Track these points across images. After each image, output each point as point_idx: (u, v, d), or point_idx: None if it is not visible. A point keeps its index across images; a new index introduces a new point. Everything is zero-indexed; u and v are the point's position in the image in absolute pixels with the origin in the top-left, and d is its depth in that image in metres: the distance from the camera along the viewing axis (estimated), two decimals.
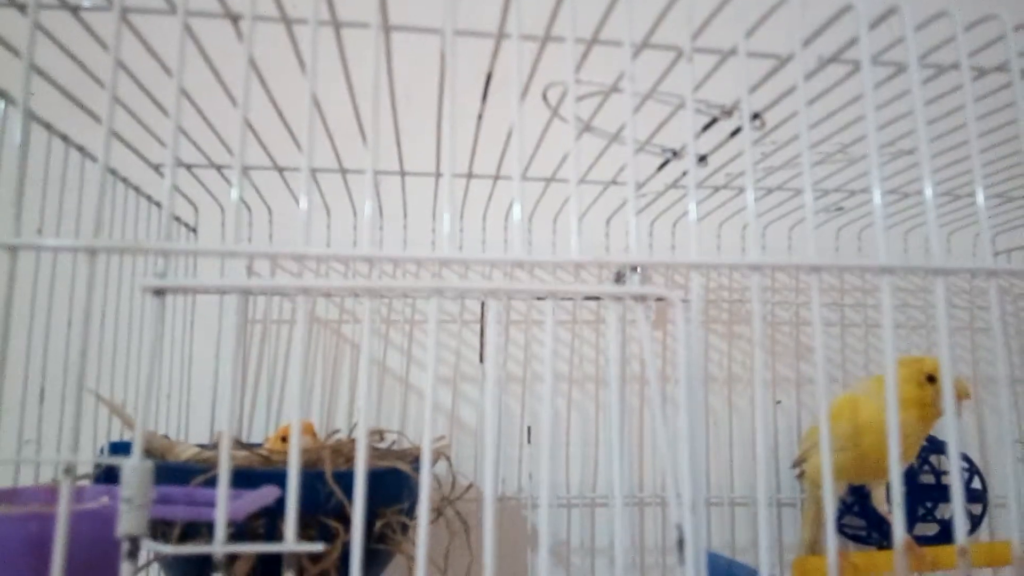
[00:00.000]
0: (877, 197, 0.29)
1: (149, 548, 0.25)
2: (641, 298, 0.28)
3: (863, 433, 0.59)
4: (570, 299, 0.79)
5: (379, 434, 0.59)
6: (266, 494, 0.35)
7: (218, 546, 0.25)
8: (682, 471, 0.27)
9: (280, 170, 0.62)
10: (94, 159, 0.54)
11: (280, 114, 0.49)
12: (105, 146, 0.28)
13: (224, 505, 0.26)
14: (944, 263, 0.30)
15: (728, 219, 0.74)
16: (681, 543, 0.27)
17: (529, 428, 0.76)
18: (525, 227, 0.72)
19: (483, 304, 0.78)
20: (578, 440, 0.77)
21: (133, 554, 0.25)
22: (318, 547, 0.26)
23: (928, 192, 0.29)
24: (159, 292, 0.27)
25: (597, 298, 0.79)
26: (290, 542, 0.26)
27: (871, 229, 0.76)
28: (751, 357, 0.79)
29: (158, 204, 0.65)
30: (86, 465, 0.53)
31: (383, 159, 0.64)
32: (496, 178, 0.65)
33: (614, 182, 0.65)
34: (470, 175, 0.64)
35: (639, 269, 0.61)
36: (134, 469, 0.25)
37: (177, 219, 0.70)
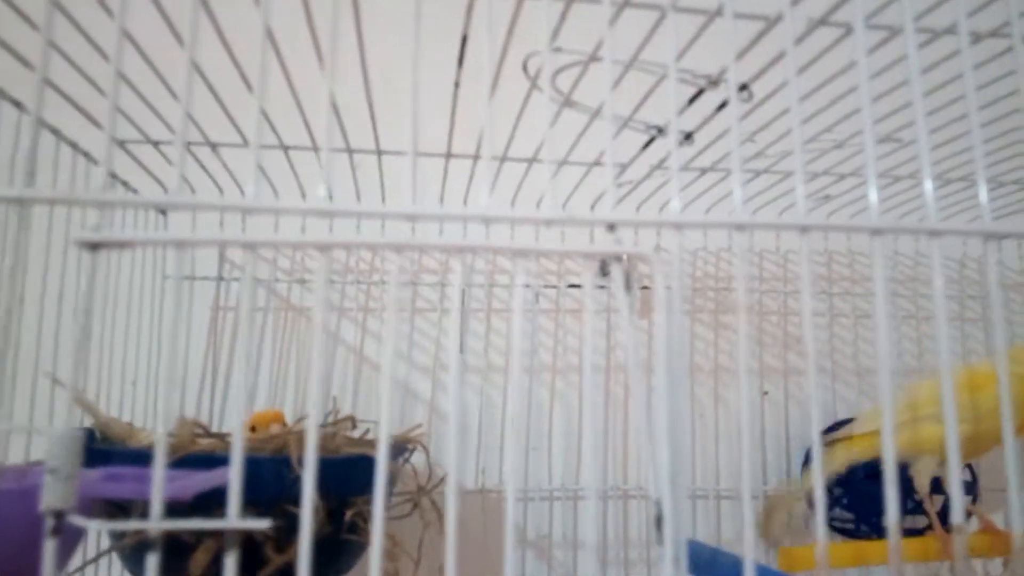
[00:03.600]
0: (870, 149, 0.27)
1: (77, 524, 0.23)
2: (616, 258, 0.26)
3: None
4: (554, 287, 0.77)
5: (351, 421, 0.57)
6: (217, 475, 0.32)
7: (154, 522, 0.23)
8: (660, 443, 0.25)
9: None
10: (61, 136, 0.52)
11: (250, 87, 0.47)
12: (37, 94, 0.26)
13: (161, 479, 0.24)
14: (939, 225, 0.28)
15: (716, 204, 0.72)
16: (659, 520, 0.25)
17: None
18: (494, 186, 0.70)
19: (463, 292, 0.76)
20: (561, 431, 0.75)
21: (58, 530, 0.23)
22: (264, 524, 0.24)
23: (922, 139, 0.28)
24: (94, 246, 0.25)
25: (578, 286, 0.78)
26: (232, 518, 0.24)
27: (861, 217, 0.75)
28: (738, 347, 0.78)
29: (124, 182, 0.62)
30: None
31: (359, 140, 0.62)
32: (475, 158, 0.63)
33: (598, 163, 0.63)
34: (448, 155, 0.61)
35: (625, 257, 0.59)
36: (59, 437, 0.23)
37: None
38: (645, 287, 0.78)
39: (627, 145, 0.58)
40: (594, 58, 0.45)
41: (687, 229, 0.27)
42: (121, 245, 0.25)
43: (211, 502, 0.34)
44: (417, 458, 0.65)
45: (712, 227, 0.27)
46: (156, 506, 0.23)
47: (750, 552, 0.26)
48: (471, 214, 0.25)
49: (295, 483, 0.46)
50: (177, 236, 0.24)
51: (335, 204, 0.24)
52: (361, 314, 0.75)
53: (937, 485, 0.67)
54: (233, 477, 0.24)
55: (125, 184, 0.62)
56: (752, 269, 0.81)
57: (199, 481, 0.30)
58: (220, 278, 0.73)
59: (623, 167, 0.64)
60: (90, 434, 0.52)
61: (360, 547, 0.53)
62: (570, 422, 0.75)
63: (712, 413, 0.77)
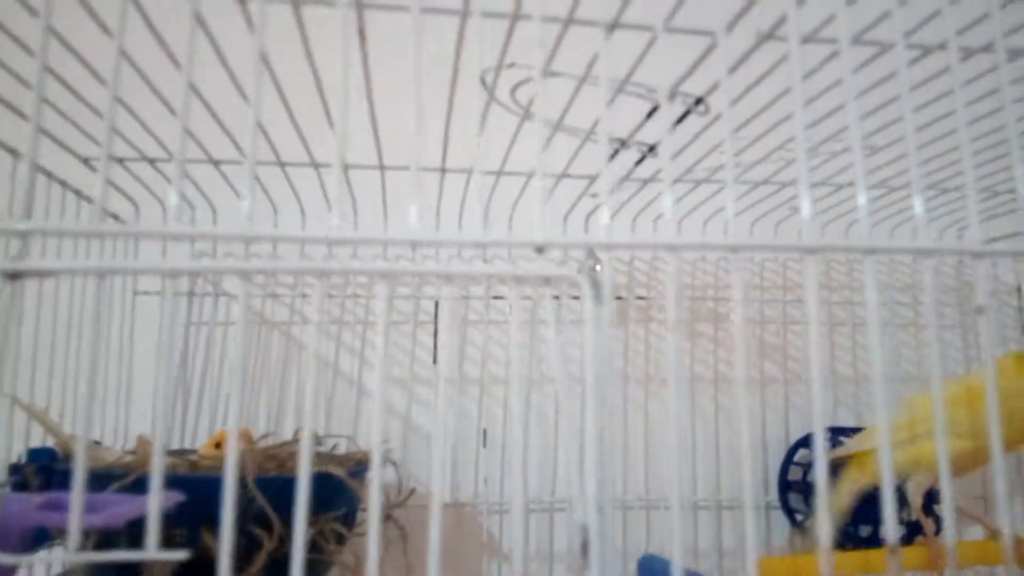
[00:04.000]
0: (803, 163, 0.27)
1: None
2: (546, 280, 0.26)
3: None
4: (528, 298, 0.77)
5: (315, 438, 0.56)
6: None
7: (70, 554, 0.23)
8: (587, 468, 0.25)
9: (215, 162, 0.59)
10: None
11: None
12: None
13: (79, 509, 0.23)
14: (872, 243, 0.28)
15: (687, 216, 0.72)
16: (586, 546, 0.25)
17: (485, 431, 0.74)
18: (428, 210, 0.70)
19: (436, 304, 0.75)
20: (537, 443, 0.75)
21: None
22: (180, 556, 0.23)
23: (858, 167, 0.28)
24: (14, 276, 0.25)
25: (556, 297, 0.77)
26: (151, 549, 0.23)
27: (834, 225, 0.75)
28: (712, 355, 0.77)
29: (88, 198, 0.62)
30: None
31: (327, 155, 0.61)
32: (444, 170, 0.63)
33: (567, 175, 0.63)
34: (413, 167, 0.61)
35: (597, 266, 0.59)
36: None
37: (114, 216, 0.67)
38: (620, 297, 0.78)
39: (594, 157, 0.58)
40: (551, 73, 0.44)
41: (619, 249, 0.27)
42: (42, 274, 0.25)
43: (166, 522, 0.33)
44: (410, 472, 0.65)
45: (642, 248, 0.27)
46: (73, 537, 0.23)
47: (678, 556, 0.26)
48: (396, 238, 0.25)
49: (253, 502, 0.46)
50: (96, 265, 0.24)
51: (256, 229, 0.24)
52: (335, 328, 0.74)
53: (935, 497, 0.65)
54: (152, 506, 0.23)
55: (89, 201, 0.61)
56: (730, 277, 0.81)
57: (134, 508, 0.30)
58: (191, 293, 0.73)
59: (591, 179, 0.64)
60: (52, 454, 0.52)
61: (324, 565, 0.53)
62: (546, 434, 0.75)
63: (688, 424, 0.77)
